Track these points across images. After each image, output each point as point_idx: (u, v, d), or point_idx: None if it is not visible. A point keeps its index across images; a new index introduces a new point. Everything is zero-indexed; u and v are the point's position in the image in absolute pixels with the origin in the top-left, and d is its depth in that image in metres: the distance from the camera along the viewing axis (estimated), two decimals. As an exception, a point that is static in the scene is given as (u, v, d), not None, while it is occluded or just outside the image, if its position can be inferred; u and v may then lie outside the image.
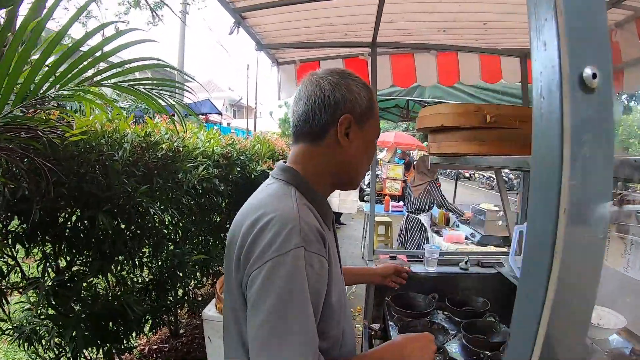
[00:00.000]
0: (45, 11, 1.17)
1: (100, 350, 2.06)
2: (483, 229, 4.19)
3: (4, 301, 1.62)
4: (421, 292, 1.97)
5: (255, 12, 2.17)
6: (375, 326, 1.89)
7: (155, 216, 2.17)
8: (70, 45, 1.29)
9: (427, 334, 0.98)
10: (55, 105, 1.67)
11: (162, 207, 2.28)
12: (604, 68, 0.37)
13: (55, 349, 1.84)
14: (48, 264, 1.80)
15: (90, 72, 1.39)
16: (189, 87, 1.99)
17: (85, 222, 1.86)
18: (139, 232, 2.18)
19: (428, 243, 4.14)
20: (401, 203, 6.13)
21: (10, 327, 1.78)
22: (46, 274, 1.78)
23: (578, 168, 0.36)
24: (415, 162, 7.06)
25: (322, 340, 0.80)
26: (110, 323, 2.06)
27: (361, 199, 8.52)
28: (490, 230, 4.14)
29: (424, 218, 4.36)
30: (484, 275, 2.11)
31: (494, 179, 18.92)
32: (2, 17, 1.21)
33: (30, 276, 1.78)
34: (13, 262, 1.71)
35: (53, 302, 1.81)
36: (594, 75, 0.36)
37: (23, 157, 1.44)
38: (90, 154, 1.72)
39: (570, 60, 0.35)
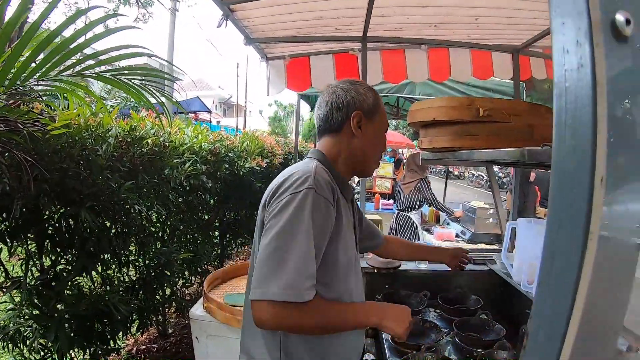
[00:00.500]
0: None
1: (87, 352, 1.99)
2: (474, 226, 4.19)
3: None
4: (412, 290, 1.94)
5: (244, 5, 2.12)
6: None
7: (142, 213, 2.11)
8: (48, 33, 1.23)
9: (406, 306, 1.11)
10: (38, 97, 1.60)
11: (148, 204, 2.21)
12: (638, 14, 0.32)
13: (40, 351, 1.79)
14: (32, 263, 1.74)
15: (72, 62, 1.33)
16: (178, 84, 1.94)
17: (69, 219, 1.79)
18: (124, 229, 2.11)
19: (418, 241, 4.13)
20: (391, 201, 6.10)
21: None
22: (30, 273, 1.72)
23: (617, 130, 0.30)
24: (405, 160, 7.04)
25: (329, 290, 1.01)
26: (96, 323, 1.99)
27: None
28: (481, 227, 4.14)
29: (414, 216, 4.34)
30: (475, 272, 2.08)
31: (483, 177, 19.08)
32: None
33: (14, 275, 1.72)
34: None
35: (36, 302, 1.75)
36: (627, 22, 0.32)
37: (4, 152, 1.38)
38: (73, 148, 1.66)
39: (601, 5, 0.30)
